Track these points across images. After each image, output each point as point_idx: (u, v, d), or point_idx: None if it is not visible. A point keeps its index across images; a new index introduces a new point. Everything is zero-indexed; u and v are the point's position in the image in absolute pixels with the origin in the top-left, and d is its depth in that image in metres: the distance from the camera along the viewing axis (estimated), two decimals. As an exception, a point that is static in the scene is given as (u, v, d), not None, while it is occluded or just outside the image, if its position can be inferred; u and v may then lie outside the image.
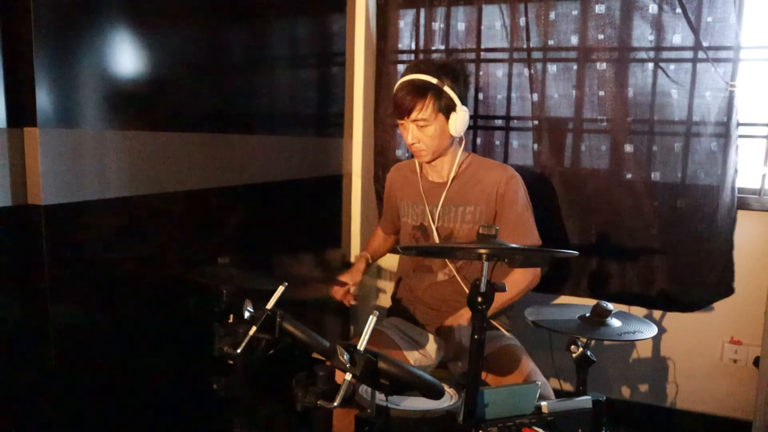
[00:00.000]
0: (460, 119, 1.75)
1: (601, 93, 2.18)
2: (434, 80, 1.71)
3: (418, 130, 1.76)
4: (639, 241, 2.18)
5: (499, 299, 1.67)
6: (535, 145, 2.32)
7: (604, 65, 2.16)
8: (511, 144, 2.39)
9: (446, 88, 1.72)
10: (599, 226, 2.25)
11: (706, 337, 2.26)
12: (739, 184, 2.09)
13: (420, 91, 1.72)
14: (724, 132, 2.05)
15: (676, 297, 2.18)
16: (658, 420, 2.37)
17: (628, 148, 2.16)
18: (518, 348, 1.76)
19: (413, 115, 1.73)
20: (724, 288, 2.12)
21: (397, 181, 2.01)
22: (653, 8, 2.08)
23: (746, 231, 2.12)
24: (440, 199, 1.85)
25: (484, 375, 1.66)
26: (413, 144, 1.79)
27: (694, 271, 2.14)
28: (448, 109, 1.74)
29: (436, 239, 1.86)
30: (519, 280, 1.80)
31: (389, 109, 2.49)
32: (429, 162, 1.85)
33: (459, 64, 1.82)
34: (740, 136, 2.07)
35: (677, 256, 2.15)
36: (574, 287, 2.32)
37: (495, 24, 2.32)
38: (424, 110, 1.72)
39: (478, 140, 2.43)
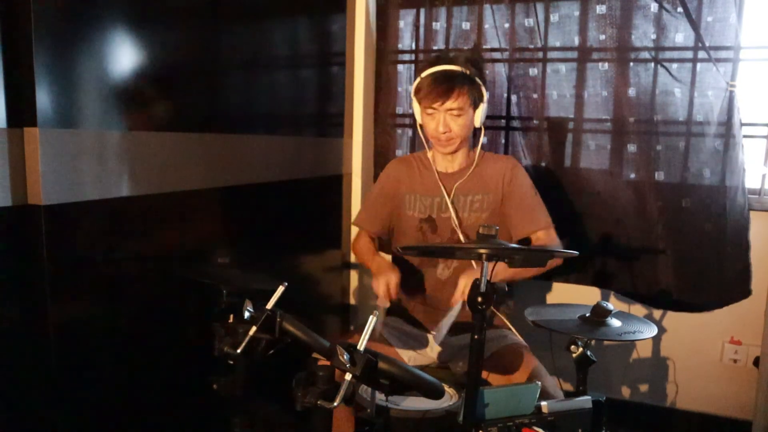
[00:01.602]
0: (483, 111, 1.80)
1: (604, 93, 2.18)
2: (467, 71, 1.74)
3: (450, 119, 1.76)
4: (644, 242, 2.18)
5: (521, 273, 1.77)
6: (537, 145, 2.32)
7: (606, 65, 2.16)
8: (512, 144, 2.39)
9: (477, 80, 1.76)
10: (603, 226, 2.25)
11: (706, 337, 2.26)
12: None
13: (456, 79, 1.73)
14: (725, 132, 2.05)
15: (685, 297, 2.17)
16: (658, 420, 2.37)
17: (631, 147, 2.16)
18: (523, 346, 1.76)
19: (447, 104, 1.74)
20: (741, 290, 2.10)
21: (404, 173, 1.96)
22: (654, 7, 2.08)
23: (746, 231, 2.12)
24: (452, 190, 1.87)
25: (486, 374, 1.66)
26: (444, 133, 1.78)
27: (703, 271, 2.13)
28: (477, 100, 1.77)
29: (457, 228, 1.85)
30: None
31: (389, 108, 2.51)
32: (453, 152, 1.85)
33: (480, 57, 1.82)
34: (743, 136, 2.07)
35: (684, 257, 2.14)
36: (580, 282, 2.34)
37: (496, 24, 2.32)
38: (460, 99, 1.74)
39: (480, 140, 2.43)
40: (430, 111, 1.78)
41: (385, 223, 2.00)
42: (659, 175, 2.16)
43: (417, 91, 1.80)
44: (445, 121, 1.77)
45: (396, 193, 1.97)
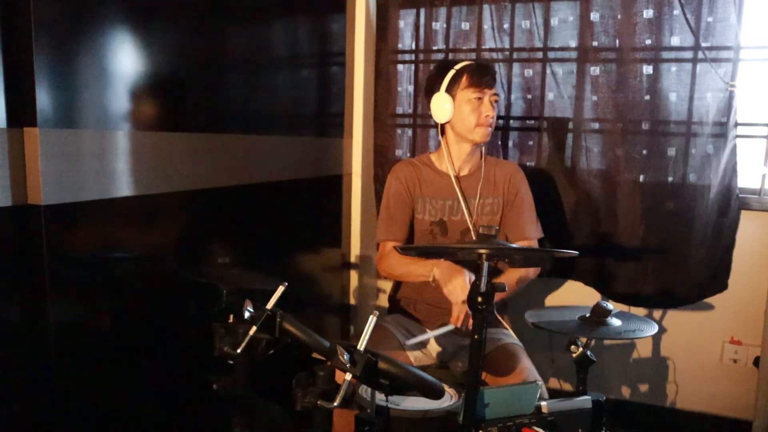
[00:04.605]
0: None
1: (601, 95, 2.18)
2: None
3: (493, 105, 1.82)
4: (633, 242, 2.19)
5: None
6: (535, 146, 2.32)
7: (605, 66, 2.16)
8: (510, 144, 2.39)
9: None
10: (597, 227, 2.25)
11: (706, 337, 2.26)
12: (738, 184, 2.08)
13: (493, 70, 1.84)
14: (722, 132, 2.05)
15: (667, 293, 2.19)
16: (658, 420, 2.37)
17: (627, 149, 2.16)
18: (517, 346, 1.76)
19: (493, 89, 1.82)
20: (718, 284, 2.15)
21: (413, 176, 1.92)
22: (654, 10, 2.07)
23: (746, 231, 2.13)
24: (465, 192, 1.88)
25: (484, 375, 1.66)
26: (492, 117, 1.82)
27: (686, 269, 2.15)
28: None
29: (472, 230, 1.87)
30: (520, 270, 1.83)
31: (389, 108, 2.51)
32: (479, 144, 1.88)
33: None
34: (740, 136, 2.07)
35: (669, 256, 2.16)
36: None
37: (495, 24, 2.31)
38: (496, 89, 1.84)
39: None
40: (479, 95, 1.80)
41: (409, 228, 1.93)
42: (649, 177, 2.16)
43: (455, 80, 1.80)
44: (492, 105, 1.82)
45: (410, 195, 1.92)
